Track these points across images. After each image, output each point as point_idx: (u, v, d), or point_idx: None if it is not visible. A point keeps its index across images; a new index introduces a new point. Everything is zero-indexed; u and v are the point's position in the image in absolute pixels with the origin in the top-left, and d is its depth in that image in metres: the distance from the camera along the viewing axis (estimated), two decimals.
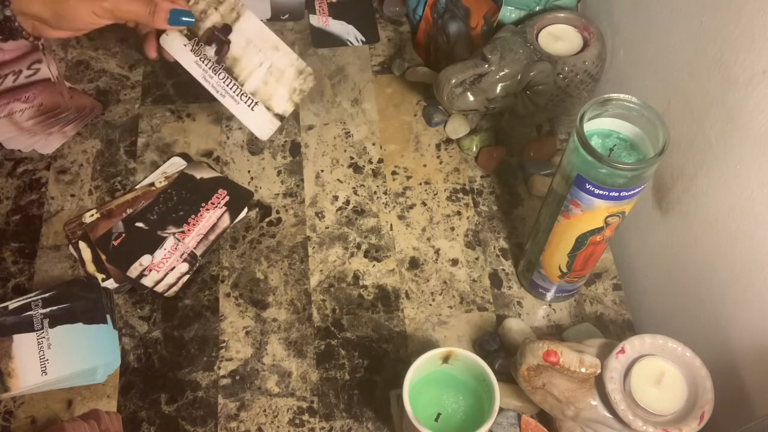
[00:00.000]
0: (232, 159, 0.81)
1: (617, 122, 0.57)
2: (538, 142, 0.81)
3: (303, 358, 0.69)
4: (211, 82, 0.72)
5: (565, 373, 0.57)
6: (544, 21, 0.76)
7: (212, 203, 0.76)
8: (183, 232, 0.74)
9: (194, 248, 0.73)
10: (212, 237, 0.74)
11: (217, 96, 0.73)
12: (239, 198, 0.77)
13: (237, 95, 0.72)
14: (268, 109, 0.73)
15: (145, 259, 0.72)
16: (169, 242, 0.73)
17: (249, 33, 0.72)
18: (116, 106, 0.85)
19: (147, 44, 0.72)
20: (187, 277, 0.72)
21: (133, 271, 0.71)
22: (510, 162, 0.81)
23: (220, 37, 0.71)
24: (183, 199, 0.76)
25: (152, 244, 0.73)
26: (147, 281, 0.71)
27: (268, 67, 0.71)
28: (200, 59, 0.71)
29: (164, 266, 0.72)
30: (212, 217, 0.75)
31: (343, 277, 0.74)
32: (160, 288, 0.71)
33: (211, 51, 0.71)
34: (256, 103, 0.72)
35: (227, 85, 0.72)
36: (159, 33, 0.71)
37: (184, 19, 0.68)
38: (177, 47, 0.72)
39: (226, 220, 0.75)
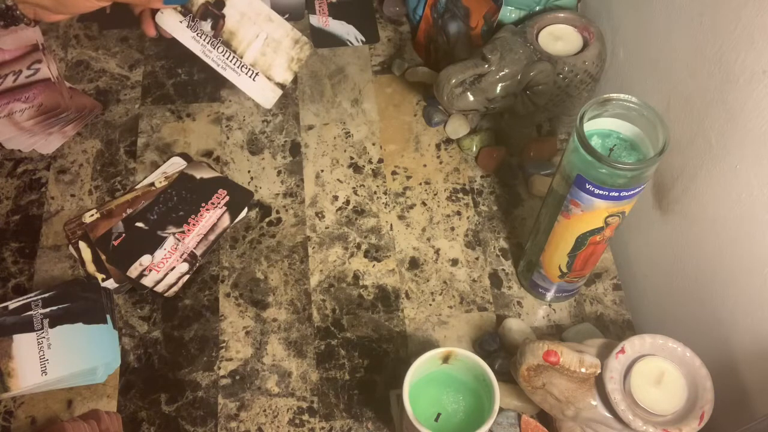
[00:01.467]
0: (232, 159, 0.81)
1: (617, 122, 0.57)
2: (538, 142, 0.81)
3: (303, 358, 0.69)
4: (211, 56, 0.73)
5: (565, 373, 0.57)
6: (544, 21, 0.76)
7: (212, 203, 0.76)
8: (183, 232, 0.74)
9: (194, 248, 0.73)
10: (212, 237, 0.74)
11: (219, 69, 0.74)
12: (239, 198, 0.77)
13: (237, 67, 0.73)
14: (269, 78, 0.74)
15: (145, 259, 0.72)
16: (169, 242, 0.73)
17: (241, 6, 0.73)
18: (116, 106, 0.85)
19: (144, 23, 0.74)
20: (187, 277, 0.72)
21: (133, 271, 0.71)
22: (510, 162, 0.81)
23: (214, 12, 0.72)
24: (183, 199, 0.76)
25: (152, 244, 0.73)
26: (147, 281, 0.71)
27: (265, 38, 0.72)
28: (197, 35, 0.72)
29: (164, 266, 0.72)
30: (212, 217, 0.75)
31: (343, 277, 0.74)
32: (160, 288, 0.71)
33: (207, 26, 0.72)
34: (256, 74, 0.73)
35: (227, 59, 0.73)
36: (154, 12, 0.72)
37: None
38: (173, 24, 0.73)
39: (226, 220, 0.75)
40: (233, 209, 0.76)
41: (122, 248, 0.73)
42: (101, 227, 0.74)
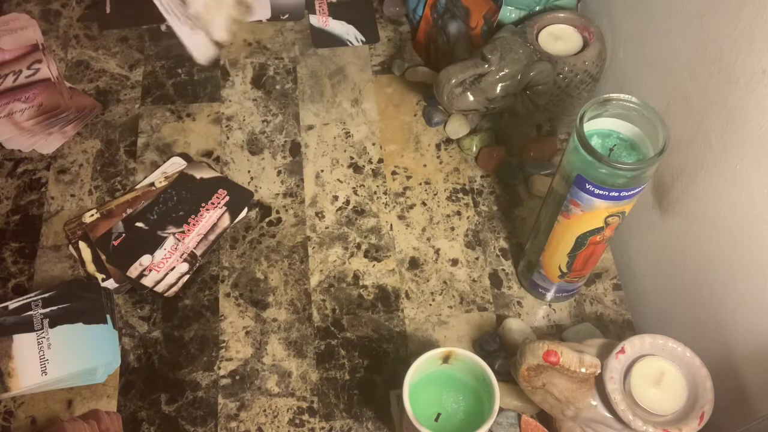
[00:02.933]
0: (232, 159, 0.81)
1: (617, 122, 0.57)
2: (538, 142, 0.81)
3: (303, 358, 0.69)
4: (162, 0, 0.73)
5: (565, 373, 0.57)
6: (544, 21, 0.76)
7: (212, 203, 0.76)
8: (183, 232, 0.74)
9: (194, 248, 0.73)
10: (212, 237, 0.74)
11: (165, 15, 0.74)
12: (239, 198, 0.77)
13: (182, 16, 0.73)
14: (207, 34, 0.74)
15: (145, 259, 0.72)
16: (169, 242, 0.73)
17: None
18: (116, 106, 0.85)
19: None
20: (187, 277, 0.72)
21: (133, 271, 0.71)
22: (510, 162, 0.81)
23: None
24: (183, 199, 0.76)
25: (152, 244, 0.73)
26: (147, 281, 0.71)
27: None
28: None
29: (164, 266, 0.72)
30: (212, 217, 0.75)
31: (343, 277, 0.74)
32: (160, 288, 0.71)
33: None
34: (197, 27, 0.73)
35: (174, 4, 0.73)
36: None
37: None
38: None
39: (226, 220, 0.75)
40: (233, 209, 0.76)
41: (122, 248, 0.73)
42: (101, 227, 0.74)
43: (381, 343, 0.70)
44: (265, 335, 0.70)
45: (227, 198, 0.77)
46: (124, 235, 0.73)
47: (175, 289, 0.72)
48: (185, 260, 0.73)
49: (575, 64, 0.74)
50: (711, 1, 0.60)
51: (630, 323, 0.72)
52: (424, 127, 0.85)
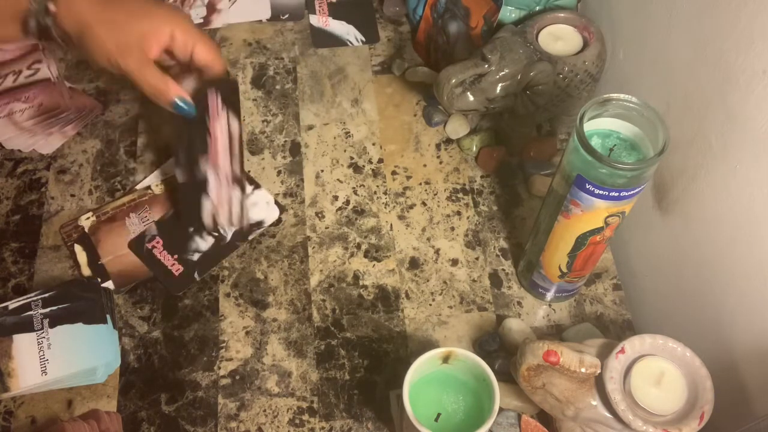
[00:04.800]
0: None
1: (617, 122, 0.57)
2: (538, 142, 0.81)
3: (303, 358, 0.69)
4: None
5: (565, 373, 0.57)
6: (544, 21, 0.76)
7: (214, 112, 0.70)
8: (209, 153, 0.70)
9: (232, 167, 0.71)
10: (236, 146, 0.72)
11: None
12: (226, 89, 0.70)
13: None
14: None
15: (207, 203, 0.71)
16: (211, 176, 0.71)
17: None
18: (116, 106, 0.85)
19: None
20: (245, 200, 0.74)
21: (208, 218, 0.72)
22: (510, 162, 0.81)
23: None
24: (190, 125, 0.70)
25: (200, 188, 0.71)
26: (222, 220, 0.72)
27: None
28: None
29: (223, 199, 0.72)
30: (223, 125, 0.70)
31: (343, 277, 0.74)
32: (234, 222, 0.73)
33: None
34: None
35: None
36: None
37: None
38: None
39: (234, 123, 0.71)
40: (231, 106, 0.71)
41: (182, 207, 0.74)
42: (101, 230, 0.74)
43: (381, 343, 0.70)
44: (265, 335, 0.70)
45: (219, 97, 0.70)
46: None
47: (245, 221, 0.74)
48: (234, 183, 0.72)
49: (575, 64, 0.74)
50: (711, 1, 0.60)
51: (630, 323, 0.72)
52: (424, 127, 0.85)
